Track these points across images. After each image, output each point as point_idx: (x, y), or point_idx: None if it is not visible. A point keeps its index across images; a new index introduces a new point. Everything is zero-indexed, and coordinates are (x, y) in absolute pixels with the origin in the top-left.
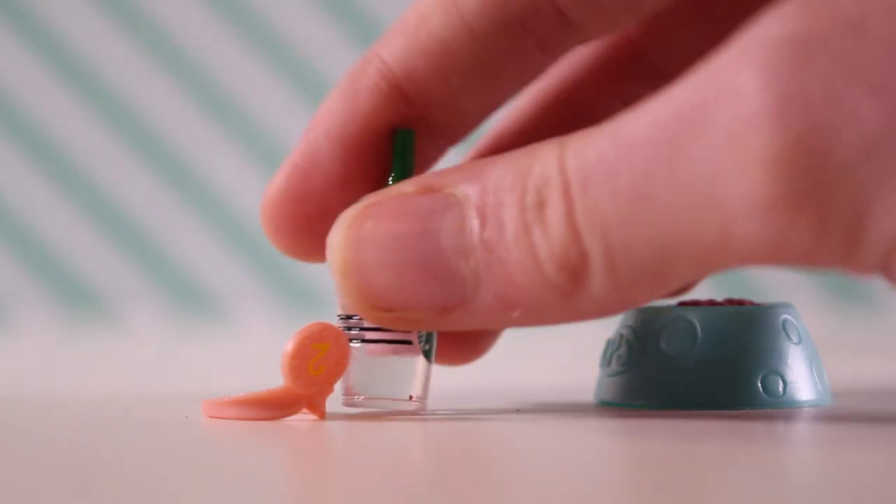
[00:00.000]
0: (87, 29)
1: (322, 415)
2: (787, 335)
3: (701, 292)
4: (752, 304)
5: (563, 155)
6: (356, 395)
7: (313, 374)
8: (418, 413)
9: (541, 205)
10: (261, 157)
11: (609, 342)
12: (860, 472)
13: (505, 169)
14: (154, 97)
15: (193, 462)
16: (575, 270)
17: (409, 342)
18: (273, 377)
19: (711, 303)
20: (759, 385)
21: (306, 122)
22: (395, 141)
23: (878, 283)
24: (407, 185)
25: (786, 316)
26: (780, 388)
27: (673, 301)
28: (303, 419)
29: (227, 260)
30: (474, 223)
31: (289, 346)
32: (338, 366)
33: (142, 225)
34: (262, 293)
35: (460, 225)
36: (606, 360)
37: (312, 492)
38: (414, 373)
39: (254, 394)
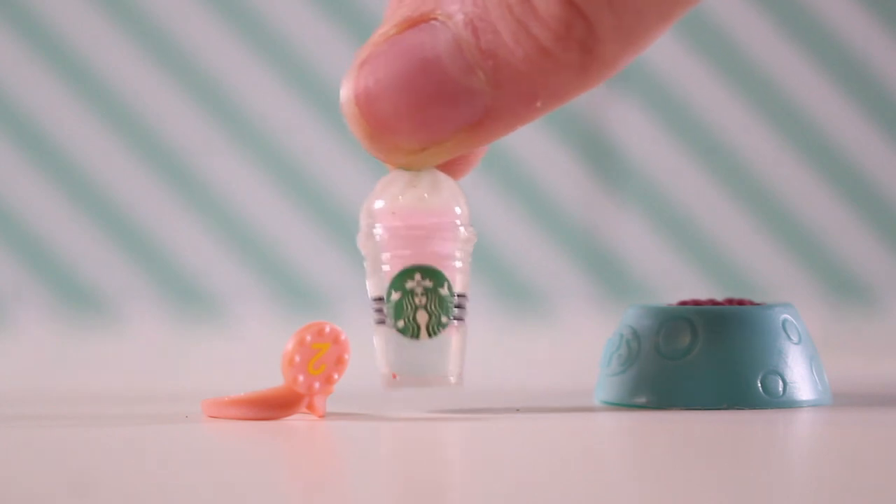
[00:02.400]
0: (88, 29)
1: (322, 414)
2: (787, 335)
3: (701, 292)
4: (752, 303)
5: None
6: (397, 376)
7: (313, 374)
8: (457, 391)
9: None
10: (261, 158)
11: (609, 342)
12: (860, 472)
13: None
14: (154, 97)
15: (193, 462)
16: (584, 43)
17: (461, 318)
18: (273, 377)
19: (711, 303)
20: (759, 385)
21: (307, 122)
22: None
23: (878, 283)
24: (388, 27)
25: (786, 316)
26: (780, 388)
27: (673, 301)
28: (303, 419)
29: (227, 260)
30: (469, 39)
31: (289, 345)
32: (338, 364)
33: (142, 225)
34: (262, 293)
35: (456, 45)
36: (606, 360)
37: (313, 491)
38: (453, 352)
39: (254, 393)
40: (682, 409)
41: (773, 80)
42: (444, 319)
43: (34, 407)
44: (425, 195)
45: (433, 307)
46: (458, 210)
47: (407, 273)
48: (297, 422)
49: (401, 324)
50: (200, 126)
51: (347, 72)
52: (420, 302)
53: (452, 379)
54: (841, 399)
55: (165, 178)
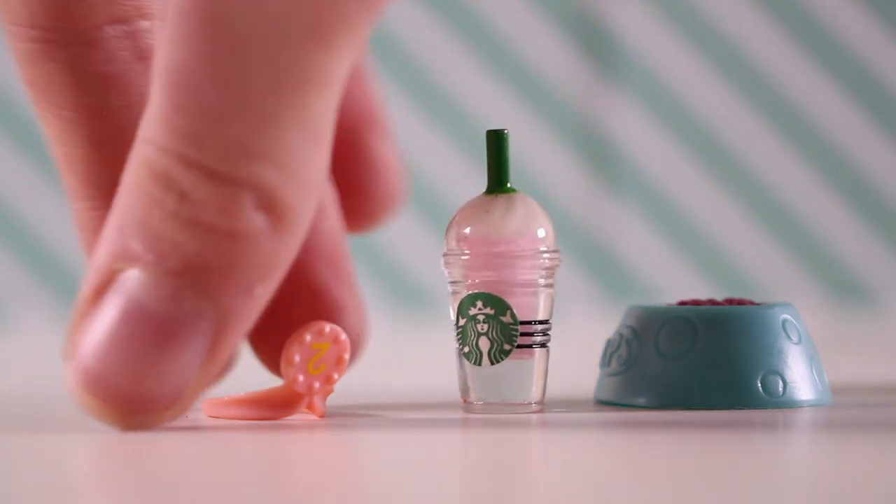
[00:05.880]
0: None
1: (322, 414)
2: (787, 335)
3: (701, 292)
4: (752, 303)
5: (149, 159)
6: (467, 401)
7: (313, 374)
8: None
9: (177, 198)
10: None
11: (609, 342)
12: (860, 472)
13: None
14: None
15: (194, 462)
16: (258, 203)
17: (530, 346)
18: (273, 377)
19: (711, 303)
20: (759, 385)
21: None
22: (489, 141)
23: (878, 283)
24: (80, 306)
25: (786, 316)
26: (780, 388)
27: (673, 301)
28: (303, 419)
29: None
30: (157, 268)
31: (288, 345)
32: (337, 364)
33: None
34: None
35: (149, 282)
36: (606, 360)
37: (314, 491)
38: (534, 377)
39: (254, 393)
40: (682, 409)
41: (775, 80)
42: (506, 347)
43: (34, 406)
44: (495, 222)
45: (495, 334)
46: (539, 234)
47: (470, 300)
48: (296, 421)
49: (466, 349)
50: None
51: (66, 368)
52: (482, 329)
53: (522, 405)
54: (841, 399)
55: None
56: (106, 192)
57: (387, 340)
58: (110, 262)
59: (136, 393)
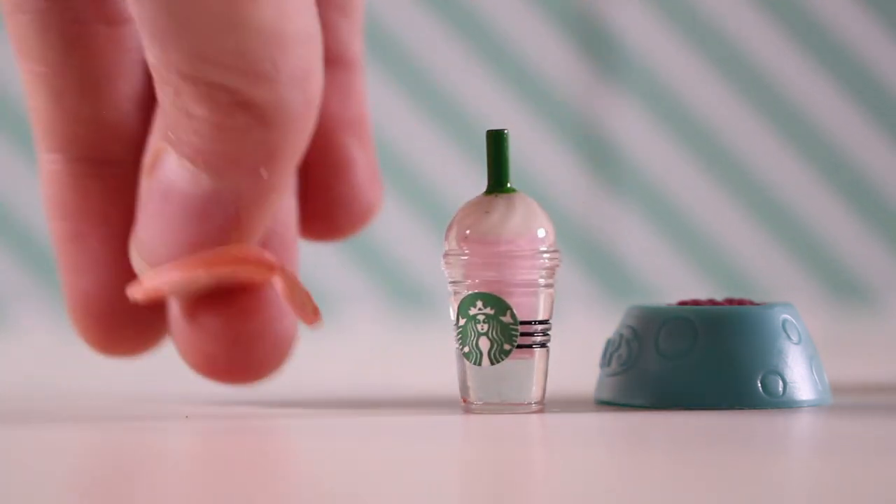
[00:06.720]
0: None
1: (315, 314)
2: (787, 335)
3: (701, 292)
4: (752, 303)
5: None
6: (467, 401)
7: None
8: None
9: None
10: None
11: (609, 342)
12: (860, 472)
13: None
14: None
15: (193, 460)
16: (249, 110)
17: (530, 346)
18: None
19: (711, 303)
20: (759, 385)
21: None
22: (489, 141)
23: (878, 283)
24: (143, 175)
25: (786, 316)
26: (780, 388)
27: (673, 301)
28: (301, 415)
29: None
30: (177, 152)
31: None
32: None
33: None
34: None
35: (176, 163)
36: (606, 360)
37: (311, 490)
38: (534, 377)
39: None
40: (682, 409)
41: (775, 80)
42: (506, 347)
43: (34, 407)
44: (495, 222)
45: (495, 334)
46: (539, 234)
47: (470, 300)
48: (297, 421)
49: (466, 349)
50: None
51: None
52: (482, 329)
53: (522, 405)
54: (841, 399)
55: None
56: (65, 144)
57: (387, 340)
58: (157, 141)
59: (169, 259)
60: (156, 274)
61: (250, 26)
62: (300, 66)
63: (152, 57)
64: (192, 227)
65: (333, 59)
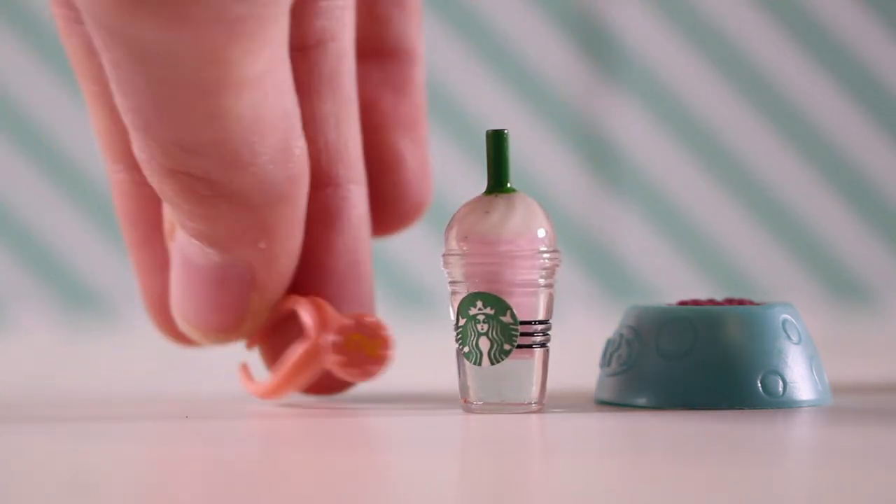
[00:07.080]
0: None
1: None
2: (787, 335)
3: (701, 292)
4: (752, 303)
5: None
6: (476, 402)
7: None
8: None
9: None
10: None
11: (609, 342)
12: (860, 472)
13: None
14: None
15: (192, 462)
16: (222, 194)
17: (530, 346)
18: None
19: (711, 303)
20: (759, 385)
21: None
22: (489, 141)
23: (878, 283)
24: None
25: (786, 316)
26: (780, 388)
27: (673, 301)
28: (301, 414)
29: None
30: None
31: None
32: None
33: None
34: None
35: (187, 240)
36: (606, 360)
37: (312, 490)
38: (534, 377)
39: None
40: (682, 409)
41: (775, 80)
42: (506, 347)
43: (34, 407)
44: (495, 222)
45: (495, 334)
46: (539, 234)
47: (470, 300)
48: (296, 420)
49: (466, 349)
50: None
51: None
52: (482, 329)
53: (521, 405)
54: (841, 399)
55: None
56: (125, 156)
57: None
58: (169, 219)
59: (203, 322)
60: (268, 395)
61: (230, 116)
62: (279, 146)
63: (137, 150)
64: (213, 292)
65: (388, 52)
